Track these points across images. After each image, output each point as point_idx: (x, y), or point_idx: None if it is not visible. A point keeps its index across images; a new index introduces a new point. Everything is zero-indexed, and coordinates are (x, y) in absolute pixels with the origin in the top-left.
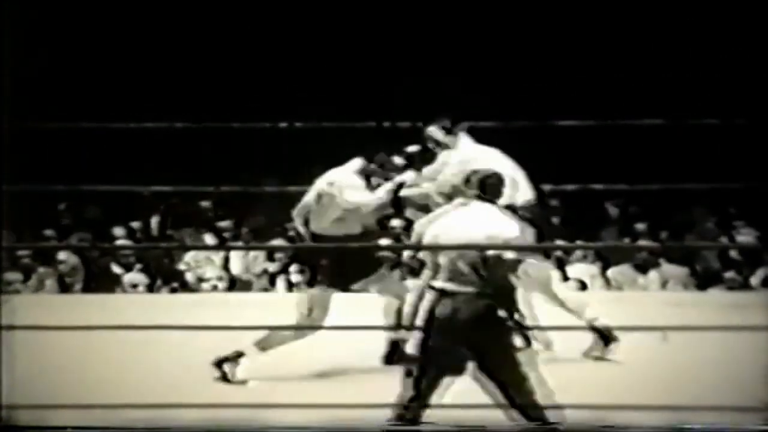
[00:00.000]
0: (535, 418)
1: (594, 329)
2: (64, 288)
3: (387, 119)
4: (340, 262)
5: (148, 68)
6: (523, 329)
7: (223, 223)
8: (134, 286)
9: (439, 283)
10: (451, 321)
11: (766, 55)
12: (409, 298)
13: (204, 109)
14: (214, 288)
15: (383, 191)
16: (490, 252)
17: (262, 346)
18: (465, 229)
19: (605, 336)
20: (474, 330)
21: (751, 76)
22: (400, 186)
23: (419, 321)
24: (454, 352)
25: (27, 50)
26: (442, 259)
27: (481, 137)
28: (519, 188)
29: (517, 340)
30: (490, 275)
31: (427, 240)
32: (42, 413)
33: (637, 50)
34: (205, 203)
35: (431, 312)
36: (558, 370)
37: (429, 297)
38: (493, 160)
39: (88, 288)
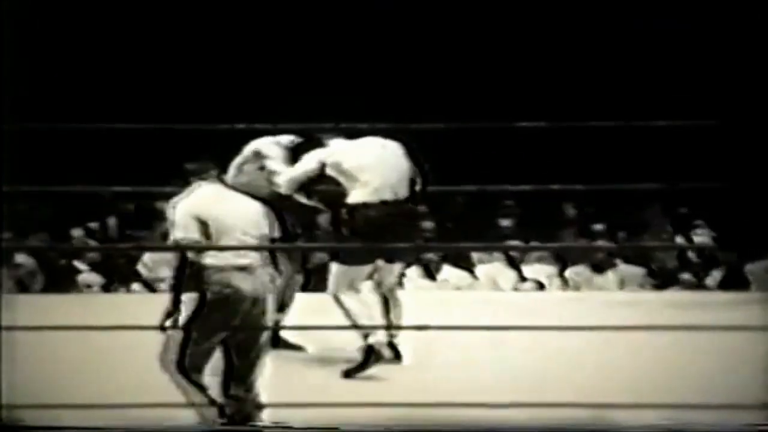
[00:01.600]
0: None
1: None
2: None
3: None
4: None
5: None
6: None
7: None
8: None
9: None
10: None
11: (732, 55)
12: None
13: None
14: None
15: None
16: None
17: None
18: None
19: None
20: None
21: (717, 76)
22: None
23: None
24: None
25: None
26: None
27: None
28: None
29: None
30: None
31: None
32: (42, 413)
33: (599, 49)
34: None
35: None
36: (558, 371)
37: None
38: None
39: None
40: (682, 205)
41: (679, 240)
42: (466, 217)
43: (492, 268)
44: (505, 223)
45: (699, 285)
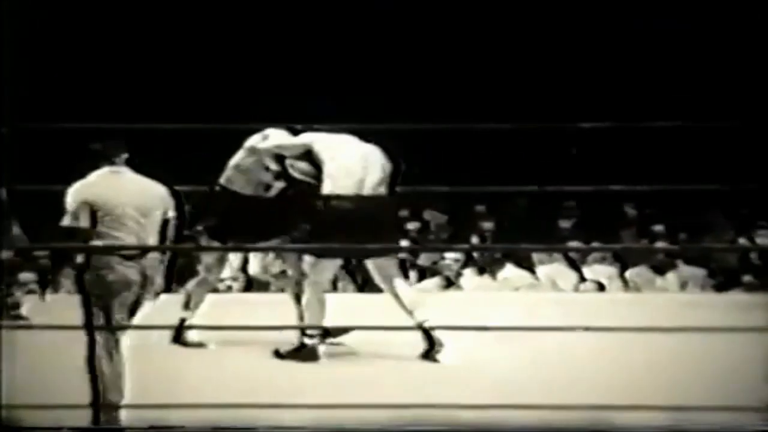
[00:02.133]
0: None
1: (423, 331)
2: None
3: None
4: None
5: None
6: None
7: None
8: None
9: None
10: None
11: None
12: None
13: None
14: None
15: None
16: None
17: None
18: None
19: (431, 340)
20: None
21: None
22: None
23: None
24: None
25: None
26: None
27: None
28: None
29: None
30: None
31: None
32: (42, 413)
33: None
34: None
35: None
36: (557, 370)
37: None
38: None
39: None
40: (743, 206)
41: (742, 241)
42: (527, 217)
43: (552, 269)
44: (565, 224)
45: (761, 286)
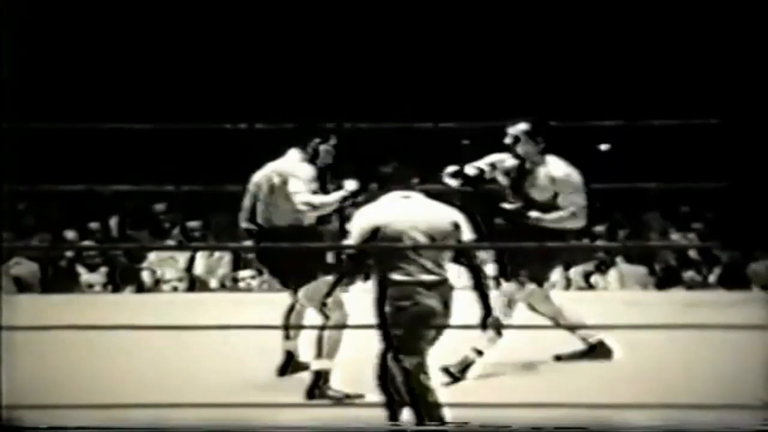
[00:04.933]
0: (429, 415)
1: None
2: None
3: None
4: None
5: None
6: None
7: (192, 223)
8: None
9: (399, 276)
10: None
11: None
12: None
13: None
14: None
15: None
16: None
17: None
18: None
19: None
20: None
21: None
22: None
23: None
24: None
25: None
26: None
27: None
28: None
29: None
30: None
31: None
32: (42, 413)
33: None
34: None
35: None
36: (557, 370)
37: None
38: None
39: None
40: (681, 205)
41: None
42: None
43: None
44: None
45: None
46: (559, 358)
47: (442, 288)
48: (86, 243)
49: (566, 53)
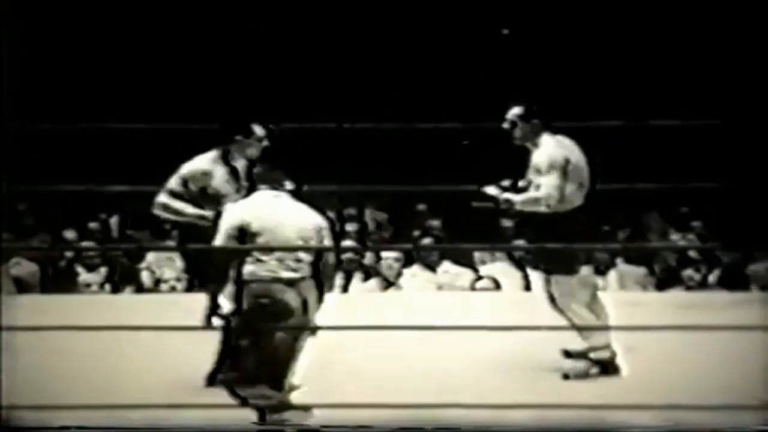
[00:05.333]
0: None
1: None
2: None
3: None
4: None
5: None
6: None
7: None
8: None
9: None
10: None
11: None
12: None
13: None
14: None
15: None
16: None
17: None
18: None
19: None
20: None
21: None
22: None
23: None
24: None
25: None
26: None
27: None
28: None
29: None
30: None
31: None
32: (42, 413)
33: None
34: None
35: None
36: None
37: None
38: None
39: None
40: (682, 205)
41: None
42: (470, 217)
43: (495, 268)
44: (508, 223)
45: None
46: (566, 377)
47: (302, 285)
48: (86, 243)
49: (566, 53)
